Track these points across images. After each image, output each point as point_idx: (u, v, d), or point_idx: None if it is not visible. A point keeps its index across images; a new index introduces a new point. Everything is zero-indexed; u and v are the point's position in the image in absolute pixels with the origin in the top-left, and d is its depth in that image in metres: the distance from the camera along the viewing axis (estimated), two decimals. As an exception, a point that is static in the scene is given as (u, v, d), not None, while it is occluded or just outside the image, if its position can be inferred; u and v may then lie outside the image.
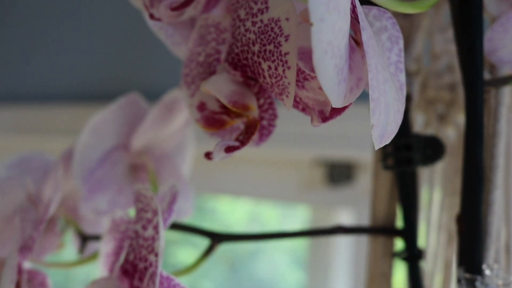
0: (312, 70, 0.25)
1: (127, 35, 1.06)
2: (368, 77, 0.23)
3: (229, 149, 0.28)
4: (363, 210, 0.85)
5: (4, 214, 0.43)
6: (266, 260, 1.34)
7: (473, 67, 0.30)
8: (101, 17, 1.09)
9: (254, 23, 0.27)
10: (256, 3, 0.27)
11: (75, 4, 1.13)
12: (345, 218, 0.91)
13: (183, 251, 1.35)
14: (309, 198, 0.89)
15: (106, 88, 1.09)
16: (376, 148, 0.24)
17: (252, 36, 0.27)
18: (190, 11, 0.31)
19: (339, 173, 0.83)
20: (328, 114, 0.27)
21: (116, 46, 1.08)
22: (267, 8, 0.26)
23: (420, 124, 0.46)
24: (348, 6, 0.22)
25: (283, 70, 0.26)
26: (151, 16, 0.30)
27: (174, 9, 0.29)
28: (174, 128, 0.43)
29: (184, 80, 0.33)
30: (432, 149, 0.38)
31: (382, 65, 0.24)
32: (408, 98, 0.38)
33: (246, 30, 0.27)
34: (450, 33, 0.45)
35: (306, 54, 0.25)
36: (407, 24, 0.39)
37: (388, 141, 0.25)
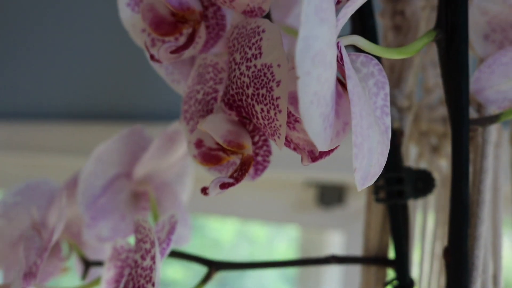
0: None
1: (119, 55, 1.08)
2: (352, 123, 0.24)
3: (224, 186, 0.29)
4: (354, 232, 0.86)
5: (10, 239, 0.45)
6: (255, 276, 1.35)
7: (459, 107, 0.32)
8: (93, 37, 1.11)
9: (248, 68, 0.28)
10: (250, 48, 0.28)
11: (68, 23, 1.14)
12: (336, 239, 0.92)
13: (172, 267, 1.37)
14: (300, 219, 0.90)
15: (98, 107, 1.11)
16: (359, 189, 0.25)
17: (247, 79, 0.28)
18: (189, 51, 0.33)
19: (330, 195, 0.85)
20: (317, 154, 0.28)
21: (107, 66, 1.10)
22: (260, 54, 0.28)
23: (413, 156, 0.47)
24: (334, 57, 0.24)
25: (275, 113, 0.27)
26: (152, 57, 0.32)
27: (173, 52, 0.31)
28: (176, 158, 0.45)
29: (184, 115, 0.35)
30: (423, 182, 0.39)
31: (367, 111, 0.25)
32: (400, 133, 0.40)
33: (241, 74, 0.29)
34: (443, 68, 0.46)
35: (296, 99, 0.26)
36: (400, 62, 0.41)
37: (371, 183, 0.26)
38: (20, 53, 1.23)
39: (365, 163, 0.25)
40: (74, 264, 0.48)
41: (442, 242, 0.47)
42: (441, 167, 0.47)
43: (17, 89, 1.24)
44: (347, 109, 0.26)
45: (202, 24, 0.32)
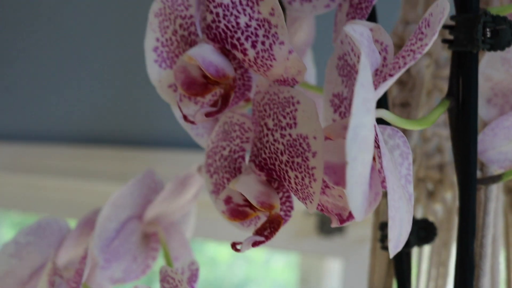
0: (336, 183, 0.28)
1: (125, 80, 1.09)
2: (388, 198, 0.26)
3: (256, 244, 0.31)
4: (353, 260, 0.89)
5: (21, 279, 0.45)
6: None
7: (468, 171, 0.34)
8: (99, 62, 1.12)
9: (282, 136, 0.30)
10: (284, 117, 0.30)
11: (75, 49, 1.16)
12: (335, 266, 0.94)
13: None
14: (300, 247, 0.92)
15: (102, 131, 1.12)
16: (391, 257, 0.27)
17: (281, 147, 0.30)
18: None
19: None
20: (345, 217, 0.30)
21: (113, 92, 1.11)
22: (295, 124, 0.30)
23: (410, 200, 0.49)
24: (373, 140, 0.26)
25: (309, 181, 0.29)
26: (185, 118, 0.34)
27: (208, 115, 0.32)
28: (185, 201, 0.46)
29: (207, 169, 0.37)
30: (425, 232, 0.42)
31: (397, 184, 0.28)
32: (405, 185, 0.42)
33: (274, 140, 0.31)
34: (440, 118, 0.49)
35: (330, 169, 0.28)
36: (405, 116, 0.43)
37: (400, 249, 0.28)
38: (28, 76, 1.23)
39: (397, 233, 0.27)
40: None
41: (435, 283, 0.49)
42: (437, 211, 0.50)
43: (24, 111, 1.24)
44: (377, 180, 0.28)
45: (234, 88, 0.34)
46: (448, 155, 0.49)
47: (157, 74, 0.37)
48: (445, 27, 0.35)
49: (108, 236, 0.43)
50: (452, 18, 0.35)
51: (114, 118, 1.11)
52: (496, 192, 0.39)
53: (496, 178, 0.37)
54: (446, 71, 0.47)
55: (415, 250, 0.49)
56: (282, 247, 0.95)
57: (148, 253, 0.46)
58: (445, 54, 0.47)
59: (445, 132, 0.49)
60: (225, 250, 1.42)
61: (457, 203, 0.45)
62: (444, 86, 0.47)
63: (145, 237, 0.46)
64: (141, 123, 1.07)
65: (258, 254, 1.41)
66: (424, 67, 0.43)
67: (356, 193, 0.25)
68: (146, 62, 0.37)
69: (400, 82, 0.44)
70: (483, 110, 0.38)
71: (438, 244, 0.49)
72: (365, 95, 0.24)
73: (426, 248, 0.50)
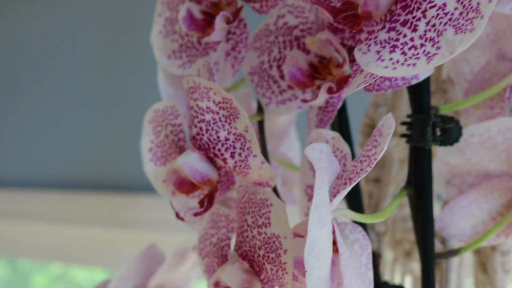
0: (304, 276, 0.33)
1: (109, 126, 1.13)
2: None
3: (240, 325, 0.36)
4: None
5: None
6: None
7: (426, 247, 0.39)
8: (83, 108, 1.17)
9: (259, 233, 0.35)
10: (260, 217, 0.35)
11: (60, 95, 1.20)
12: None
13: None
14: None
15: (87, 177, 1.16)
16: None
17: (258, 243, 0.35)
18: (206, 204, 0.40)
19: None
20: (316, 301, 0.35)
21: (97, 137, 1.16)
22: (269, 223, 0.35)
23: (389, 260, 0.54)
24: (330, 246, 0.31)
25: (282, 274, 0.34)
26: (177, 215, 0.39)
27: (196, 215, 0.38)
28: (185, 269, 0.51)
29: (200, 252, 0.42)
30: (399, 296, 0.46)
31: (355, 276, 0.33)
32: (378, 256, 0.47)
33: (253, 236, 0.36)
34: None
35: (300, 263, 0.33)
36: (377, 191, 0.48)
37: (361, 332, 0.33)
38: (12, 122, 1.28)
39: (355, 319, 0.32)
40: None
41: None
42: (414, 269, 0.54)
43: (4, 157, 1.29)
44: (339, 272, 0.33)
45: (219, 189, 0.39)
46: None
47: (153, 171, 0.42)
48: (403, 123, 0.40)
49: (116, 307, 0.48)
50: (408, 116, 0.40)
51: (98, 164, 1.15)
52: (457, 261, 0.43)
53: (455, 252, 0.42)
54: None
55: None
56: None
57: (152, 319, 0.51)
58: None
59: (419, 197, 0.54)
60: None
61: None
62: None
63: (149, 305, 0.51)
64: (125, 168, 1.11)
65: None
66: (393, 147, 0.48)
67: (316, 293, 0.30)
68: (143, 161, 0.42)
69: (373, 159, 0.49)
70: (443, 190, 0.43)
71: (416, 299, 0.54)
72: (319, 214, 0.29)
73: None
